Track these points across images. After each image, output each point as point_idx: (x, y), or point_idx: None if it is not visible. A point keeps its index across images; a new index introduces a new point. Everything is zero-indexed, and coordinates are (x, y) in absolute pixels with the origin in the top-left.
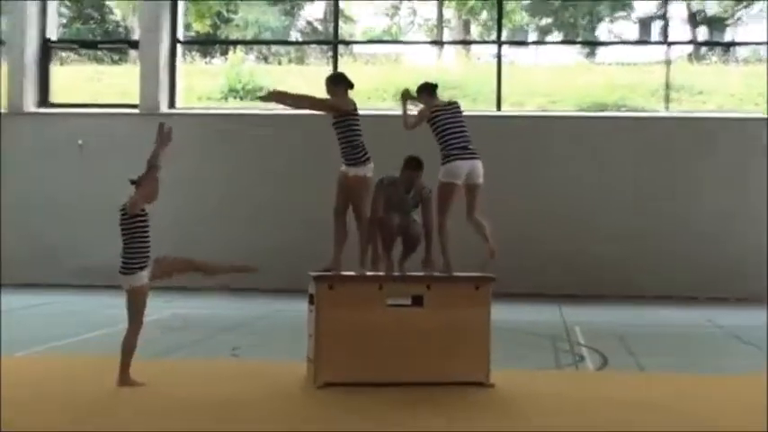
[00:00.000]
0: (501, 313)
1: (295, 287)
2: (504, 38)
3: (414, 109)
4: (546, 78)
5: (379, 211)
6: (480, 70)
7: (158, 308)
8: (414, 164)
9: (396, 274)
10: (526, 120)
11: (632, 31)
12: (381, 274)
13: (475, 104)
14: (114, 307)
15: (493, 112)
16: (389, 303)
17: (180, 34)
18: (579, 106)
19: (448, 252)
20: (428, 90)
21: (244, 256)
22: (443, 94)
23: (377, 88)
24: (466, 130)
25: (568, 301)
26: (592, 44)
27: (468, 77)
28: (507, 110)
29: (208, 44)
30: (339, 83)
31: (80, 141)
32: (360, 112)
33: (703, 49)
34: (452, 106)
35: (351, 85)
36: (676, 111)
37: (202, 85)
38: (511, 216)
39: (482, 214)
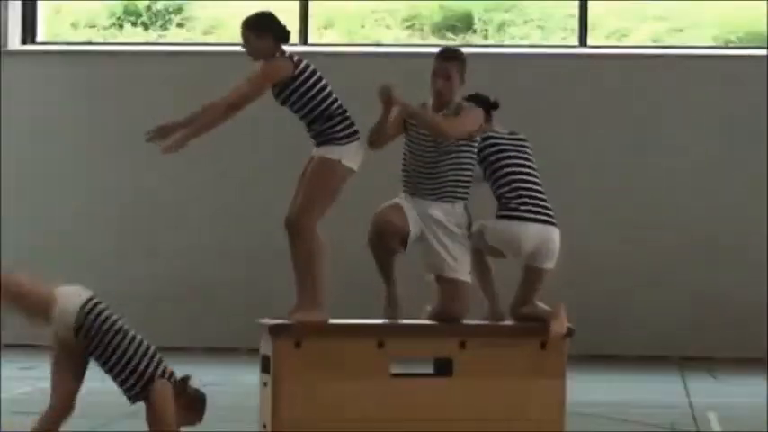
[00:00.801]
0: (587, 390)
1: (238, 344)
2: None
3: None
4: None
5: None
6: None
7: (11, 379)
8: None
9: (404, 320)
10: (631, 60)
11: None
12: (381, 321)
13: (544, 35)
14: None
15: (575, 47)
16: (396, 372)
17: None
18: (723, 39)
19: (494, 291)
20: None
21: (122, 295)
22: (490, 17)
23: (375, 9)
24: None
25: (698, 368)
26: None
27: None
28: (599, 44)
29: None
30: (263, 31)
31: None
32: (355, 48)
33: None
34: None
35: (284, 33)
36: None
37: (81, 6)
38: (599, 221)
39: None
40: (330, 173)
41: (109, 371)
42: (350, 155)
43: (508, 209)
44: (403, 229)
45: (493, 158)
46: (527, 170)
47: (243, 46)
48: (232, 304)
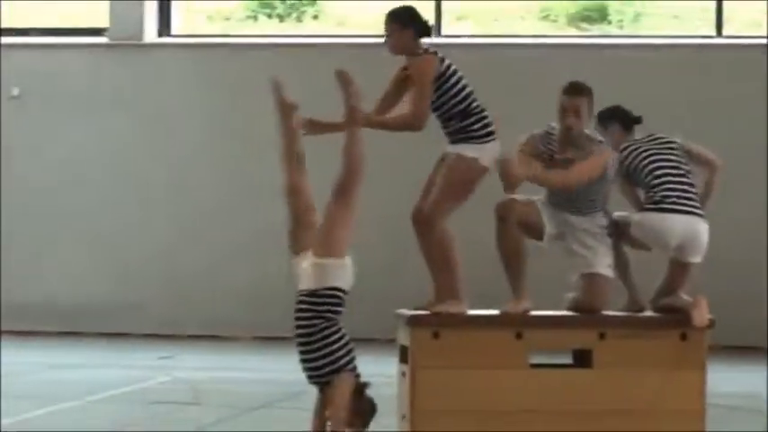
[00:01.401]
0: (726, 381)
1: (376, 335)
2: None
3: None
4: None
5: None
6: None
7: (150, 368)
8: (572, 89)
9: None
10: (763, 49)
11: None
12: (517, 310)
13: (681, 25)
14: (60, 368)
15: (711, 38)
16: (534, 363)
17: None
18: None
19: (633, 281)
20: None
21: (273, 287)
22: (625, 7)
23: (508, 0)
24: None
25: None
26: None
27: None
28: (735, 35)
29: None
30: (408, 25)
31: (15, 91)
32: (489, 39)
33: None
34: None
35: (426, 29)
36: None
37: None
38: (749, 213)
39: None
40: (467, 170)
41: (305, 345)
42: (486, 153)
43: (653, 201)
44: (529, 217)
45: (635, 163)
46: (671, 164)
47: (385, 37)
48: (365, 295)
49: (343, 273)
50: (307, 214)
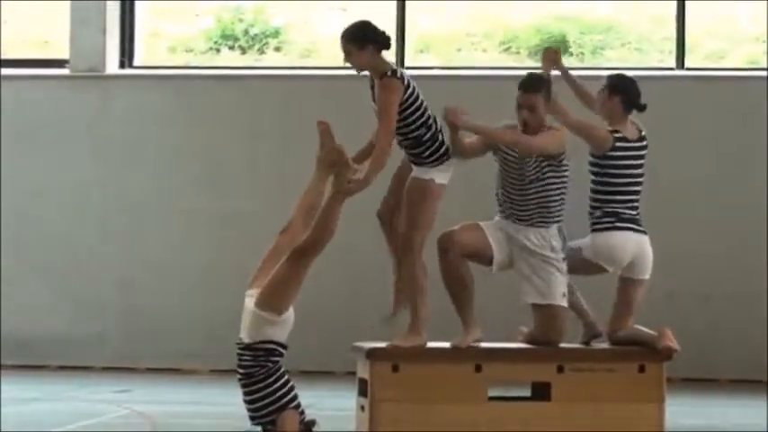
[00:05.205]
0: (687, 413)
1: (334, 368)
2: None
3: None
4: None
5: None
6: (651, 4)
7: (107, 401)
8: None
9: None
10: (725, 81)
11: None
12: (466, 342)
13: (642, 57)
14: (19, 402)
15: (672, 70)
16: (493, 395)
17: None
18: None
19: (584, 307)
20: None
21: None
22: (585, 40)
23: (470, 33)
24: None
25: None
26: None
27: (630, 16)
28: (697, 65)
29: None
30: (365, 43)
31: None
32: (451, 71)
33: None
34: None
35: (385, 41)
36: None
37: (178, 30)
38: (698, 245)
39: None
40: (427, 192)
41: (246, 387)
42: (441, 175)
43: (621, 218)
44: (474, 246)
45: (614, 171)
46: (640, 179)
47: (345, 59)
48: (329, 326)
49: (280, 329)
50: (282, 254)
